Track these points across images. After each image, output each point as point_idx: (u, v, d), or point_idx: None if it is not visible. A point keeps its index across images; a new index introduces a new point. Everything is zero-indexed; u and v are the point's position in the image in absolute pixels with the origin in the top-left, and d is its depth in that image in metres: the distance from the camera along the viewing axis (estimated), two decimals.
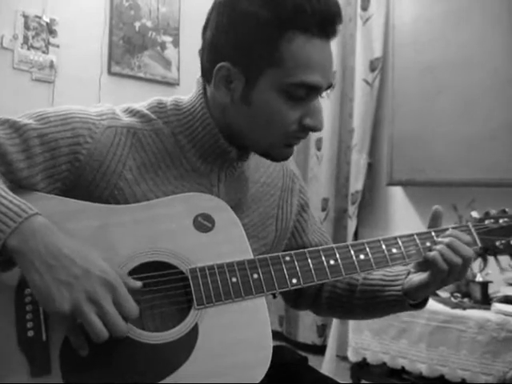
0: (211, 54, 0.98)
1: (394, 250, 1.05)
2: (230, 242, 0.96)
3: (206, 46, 0.99)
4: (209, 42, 0.98)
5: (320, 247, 1.02)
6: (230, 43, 0.94)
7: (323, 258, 1.00)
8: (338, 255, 1.01)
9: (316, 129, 0.99)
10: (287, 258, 0.98)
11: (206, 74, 1.00)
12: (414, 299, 1.11)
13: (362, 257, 1.02)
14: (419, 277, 1.08)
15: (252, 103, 0.96)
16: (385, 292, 1.14)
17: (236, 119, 0.99)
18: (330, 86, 0.99)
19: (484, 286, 2.28)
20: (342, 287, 1.20)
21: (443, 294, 2.41)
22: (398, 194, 3.06)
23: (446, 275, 1.04)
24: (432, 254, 1.05)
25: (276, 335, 0.87)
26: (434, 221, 1.12)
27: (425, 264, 1.08)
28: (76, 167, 0.95)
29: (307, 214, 1.25)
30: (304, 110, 0.97)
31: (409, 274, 1.13)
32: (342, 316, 1.39)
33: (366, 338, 2.41)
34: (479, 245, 1.12)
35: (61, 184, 0.95)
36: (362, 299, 1.17)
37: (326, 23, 0.93)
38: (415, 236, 1.08)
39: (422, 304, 1.14)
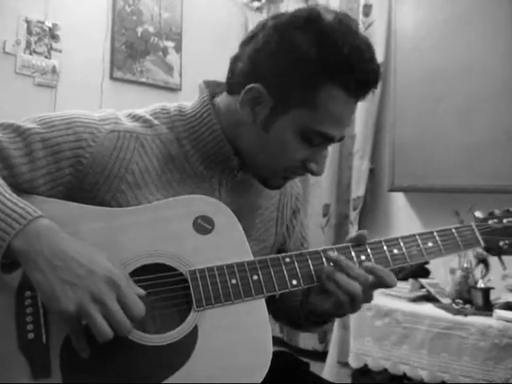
0: (247, 70, 0.98)
1: (396, 251, 1.04)
2: (229, 244, 0.96)
3: (245, 59, 0.99)
4: (249, 56, 0.98)
5: (320, 248, 1.01)
6: (271, 69, 0.95)
7: (324, 260, 1.00)
8: None
9: (316, 174, 1.03)
10: (287, 260, 0.98)
11: (234, 84, 1.01)
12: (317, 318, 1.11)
13: (363, 258, 1.02)
14: (326, 305, 1.02)
15: (270, 132, 0.97)
16: (290, 302, 1.15)
17: (248, 138, 1.01)
18: (341, 139, 1.02)
19: (486, 292, 2.27)
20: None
21: (445, 300, 2.40)
22: (399, 199, 3.06)
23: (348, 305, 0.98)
24: (331, 286, 0.97)
25: (277, 341, 0.86)
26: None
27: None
28: (79, 171, 0.95)
29: (296, 220, 1.25)
30: (312, 153, 0.99)
31: (309, 290, 1.07)
32: (285, 323, 1.31)
33: (368, 344, 2.40)
34: (482, 245, 1.10)
35: (63, 188, 0.96)
36: (281, 306, 1.16)
37: (365, 87, 0.95)
38: (417, 236, 1.07)
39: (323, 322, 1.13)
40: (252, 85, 0.96)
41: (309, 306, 1.08)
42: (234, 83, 1.01)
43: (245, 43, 1.00)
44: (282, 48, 0.94)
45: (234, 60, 1.02)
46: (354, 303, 0.97)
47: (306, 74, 0.92)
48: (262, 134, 0.98)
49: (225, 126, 1.02)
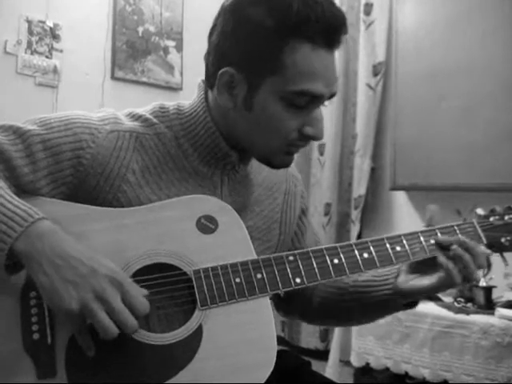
0: (216, 59, 0.99)
1: (398, 248, 1.04)
2: (233, 244, 0.96)
3: (212, 50, 1.00)
4: (214, 46, 0.99)
5: (323, 246, 1.01)
6: (234, 49, 0.95)
7: (327, 258, 1.00)
8: (341, 254, 1.01)
9: (316, 138, 1.00)
10: (291, 258, 0.98)
11: (210, 78, 1.01)
12: (408, 300, 1.11)
13: (365, 255, 1.02)
14: (426, 281, 1.06)
15: (253, 109, 0.97)
16: (376, 292, 1.12)
17: (238, 124, 1.00)
18: (332, 96, 0.99)
19: (488, 291, 2.27)
20: (332, 291, 1.19)
21: (446, 298, 2.40)
22: (401, 198, 3.06)
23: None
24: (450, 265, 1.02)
25: (278, 340, 0.86)
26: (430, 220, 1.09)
27: (429, 267, 1.06)
28: (80, 171, 0.96)
29: (307, 218, 1.25)
30: (305, 118, 0.97)
31: (398, 274, 1.10)
32: (334, 321, 1.36)
33: (370, 343, 2.41)
34: (484, 242, 1.10)
35: (65, 188, 0.96)
36: (353, 301, 1.16)
37: (330, 33, 0.93)
38: (419, 233, 1.07)
39: (413, 304, 1.13)
40: (222, 70, 0.96)
41: (396, 287, 1.09)
42: (210, 77, 1.01)
43: (210, 36, 1.01)
44: (238, 27, 0.94)
45: (206, 55, 1.02)
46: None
47: (267, 42, 0.92)
48: (247, 115, 0.97)
49: (217, 121, 1.02)
